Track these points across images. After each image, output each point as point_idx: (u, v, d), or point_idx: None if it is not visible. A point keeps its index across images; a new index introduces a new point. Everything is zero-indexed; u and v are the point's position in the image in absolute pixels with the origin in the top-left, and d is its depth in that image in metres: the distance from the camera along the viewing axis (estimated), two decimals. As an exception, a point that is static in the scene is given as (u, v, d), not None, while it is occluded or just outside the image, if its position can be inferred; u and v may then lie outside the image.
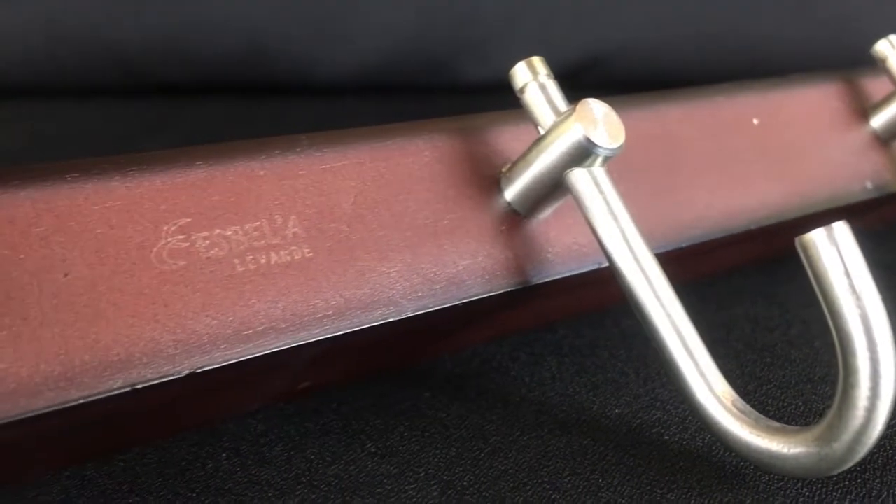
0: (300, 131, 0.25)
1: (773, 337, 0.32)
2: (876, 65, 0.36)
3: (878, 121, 0.37)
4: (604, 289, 0.31)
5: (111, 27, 0.65)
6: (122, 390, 0.20)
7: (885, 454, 0.24)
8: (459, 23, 0.66)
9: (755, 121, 0.34)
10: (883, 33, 0.36)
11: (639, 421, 0.26)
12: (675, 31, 0.66)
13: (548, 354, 0.30)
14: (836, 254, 0.19)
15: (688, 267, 0.27)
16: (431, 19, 0.66)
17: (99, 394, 0.20)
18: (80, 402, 0.20)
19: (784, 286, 0.36)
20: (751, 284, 0.36)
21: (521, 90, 0.26)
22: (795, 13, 0.65)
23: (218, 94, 0.66)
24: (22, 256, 0.20)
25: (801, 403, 0.27)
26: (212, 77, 0.67)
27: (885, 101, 0.37)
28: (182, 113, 0.63)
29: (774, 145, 0.34)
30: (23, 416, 0.19)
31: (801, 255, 0.20)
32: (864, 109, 0.37)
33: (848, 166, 0.36)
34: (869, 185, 0.36)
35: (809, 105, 0.36)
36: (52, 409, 0.19)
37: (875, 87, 0.38)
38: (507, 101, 0.30)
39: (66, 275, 0.20)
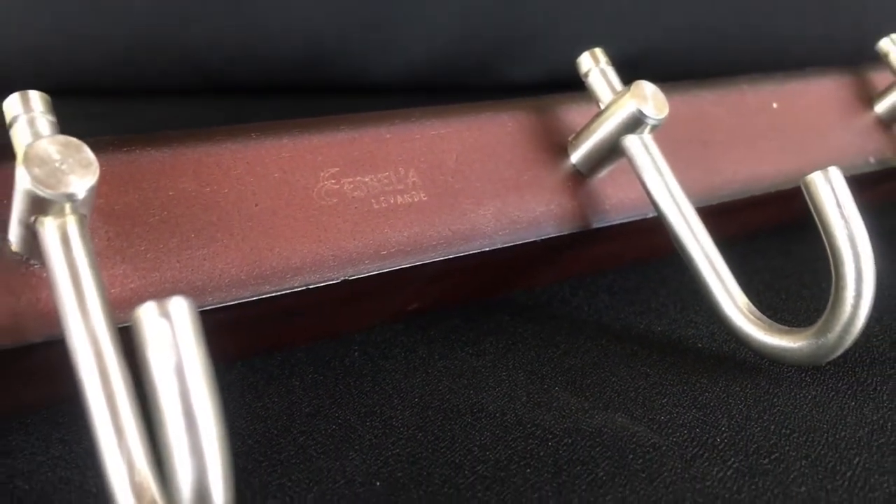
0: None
1: (788, 282, 0.38)
2: (880, 59, 0.43)
3: (882, 107, 0.43)
4: (647, 237, 0.38)
5: (183, 31, 0.72)
6: (299, 288, 0.27)
7: (871, 354, 0.31)
8: (505, 24, 0.72)
9: (775, 105, 0.41)
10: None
11: (677, 335, 0.33)
12: (707, 31, 0.72)
13: (601, 292, 0.37)
14: (830, 189, 0.26)
15: (717, 224, 0.34)
16: (477, 22, 0.72)
17: (284, 289, 0.27)
18: (272, 294, 0.27)
19: (798, 245, 0.42)
20: (770, 244, 0.43)
21: (586, 74, 0.33)
22: (815, 15, 0.71)
23: (279, 95, 0.73)
24: (226, 191, 0.28)
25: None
26: (274, 78, 0.74)
27: (887, 91, 0.43)
28: (247, 112, 0.70)
29: (791, 125, 0.41)
30: (234, 302, 0.26)
31: (804, 190, 0.27)
32: (869, 97, 0.44)
33: (854, 144, 0.43)
34: (872, 160, 0.42)
35: (822, 93, 0.43)
36: (253, 298, 0.27)
37: (879, 78, 0.44)
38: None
39: (256, 205, 0.28)
